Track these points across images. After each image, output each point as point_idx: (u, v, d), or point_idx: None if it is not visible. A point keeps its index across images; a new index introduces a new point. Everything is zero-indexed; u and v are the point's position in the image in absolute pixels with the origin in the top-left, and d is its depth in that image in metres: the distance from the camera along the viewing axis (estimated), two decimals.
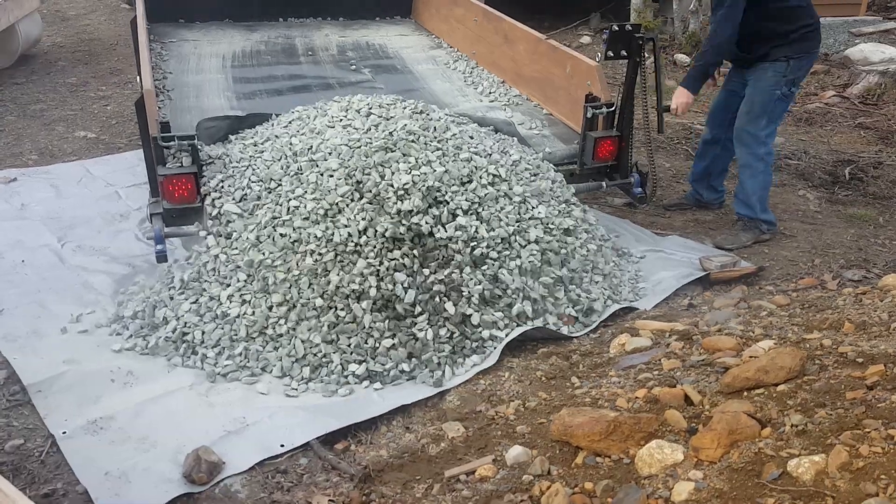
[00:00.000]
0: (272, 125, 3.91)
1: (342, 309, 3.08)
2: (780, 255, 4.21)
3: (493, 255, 3.28)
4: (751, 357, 2.56)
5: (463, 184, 3.41)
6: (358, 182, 3.30)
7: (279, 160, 3.54)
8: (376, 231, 3.16)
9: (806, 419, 2.11)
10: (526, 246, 3.41)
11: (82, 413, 2.81)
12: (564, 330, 3.31)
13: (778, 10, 4.09)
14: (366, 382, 3.00)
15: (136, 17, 4.71)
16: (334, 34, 5.88)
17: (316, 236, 3.17)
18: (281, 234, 3.24)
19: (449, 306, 3.11)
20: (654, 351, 2.96)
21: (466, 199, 3.35)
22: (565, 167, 4.04)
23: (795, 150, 5.84)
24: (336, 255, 3.13)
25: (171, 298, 3.32)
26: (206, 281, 3.31)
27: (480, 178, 3.49)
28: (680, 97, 4.25)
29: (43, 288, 3.65)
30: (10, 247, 4.04)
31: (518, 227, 3.43)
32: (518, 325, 3.22)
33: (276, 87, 4.78)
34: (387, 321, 3.08)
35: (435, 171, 3.34)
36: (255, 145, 3.72)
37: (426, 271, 3.16)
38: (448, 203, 3.31)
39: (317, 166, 3.41)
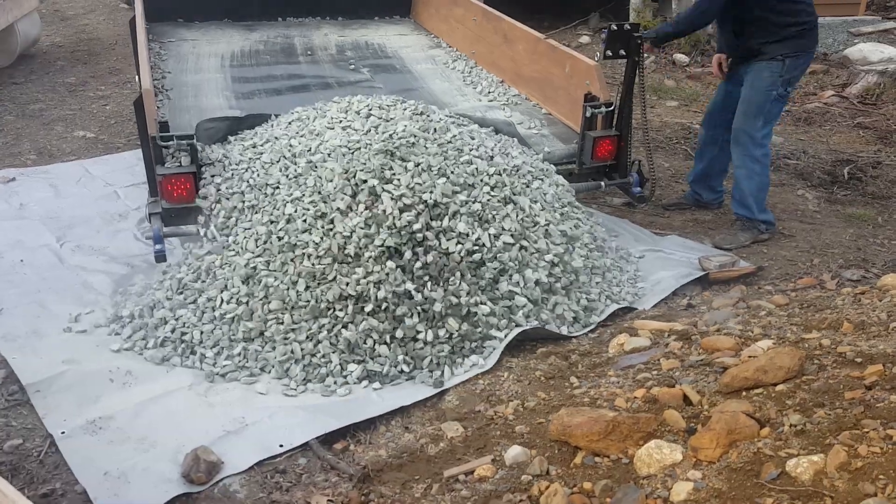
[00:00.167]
0: (272, 126, 3.91)
1: (340, 310, 3.08)
2: (778, 254, 4.21)
3: (495, 263, 3.27)
4: (749, 357, 2.56)
5: (463, 190, 3.38)
6: (356, 186, 3.28)
7: (278, 162, 3.53)
8: (374, 241, 3.14)
9: (805, 419, 2.11)
10: (528, 251, 3.40)
11: (81, 413, 2.81)
12: (563, 330, 3.31)
13: (776, 2, 4.09)
14: (365, 382, 3.00)
15: (134, 16, 4.70)
16: (333, 34, 5.87)
17: (315, 242, 3.16)
18: (278, 238, 3.23)
19: (451, 322, 3.11)
20: (652, 351, 2.96)
21: (467, 206, 3.33)
22: (564, 167, 4.04)
23: (794, 150, 5.84)
24: (334, 261, 3.12)
25: (170, 299, 3.32)
26: (203, 282, 3.31)
27: (482, 179, 3.48)
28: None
29: (42, 288, 3.65)
30: (9, 247, 4.03)
31: (520, 231, 3.43)
32: (517, 326, 3.22)
33: (275, 87, 4.78)
34: (385, 323, 3.07)
35: (435, 182, 3.31)
36: (254, 147, 3.71)
37: (426, 279, 3.14)
38: (448, 211, 3.28)
39: (315, 169, 3.40)
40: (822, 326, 2.84)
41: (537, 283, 3.34)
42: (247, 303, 3.15)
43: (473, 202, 3.36)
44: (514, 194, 3.53)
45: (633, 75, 3.99)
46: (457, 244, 3.21)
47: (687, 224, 4.65)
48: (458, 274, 3.17)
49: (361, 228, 3.15)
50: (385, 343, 3.06)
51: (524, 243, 3.41)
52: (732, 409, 2.21)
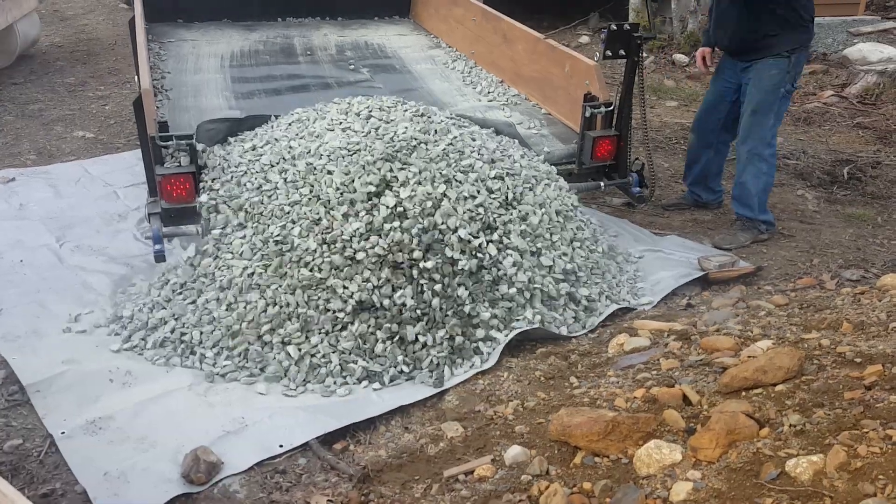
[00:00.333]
0: (272, 127, 3.90)
1: (339, 311, 3.08)
2: (778, 254, 4.21)
3: (498, 268, 3.27)
4: (749, 357, 2.56)
5: (465, 195, 3.36)
6: (355, 193, 3.25)
7: (277, 165, 3.51)
8: (374, 248, 3.12)
9: (804, 419, 2.11)
10: (530, 255, 3.40)
11: (81, 413, 2.81)
12: (563, 330, 3.31)
13: None
14: (364, 383, 3.00)
15: (134, 16, 4.70)
16: (333, 34, 5.87)
17: (312, 249, 3.15)
18: (275, 242, 3.22)
19: (453, 327, 3.11)
20: (652, 351, 2.97)
21: (469, 212, 3.31)
22: (564, 167, 4.04)
23: (794, 150, 5.84)
24: (332, 268, 3.11)
25: (169, 299, 3.32)
26: (202, 283, 3.31)
27: (484, 183, 3.46)
28: None
29: (42, 288, 3.65)
30: (9, 247, 4.04)
31: (522, 236, 3.42)
32: (517, 326, 3.22)
33: (275, 87, 4.77)
34: (384, 328, 3.07)
35: (437, 188, 3.29)
36: (253, 149, 3.68)
37: (427, 285, 3.13)
38: (450, 217, 3.25)
39: (315, 173, 3.38)
40: (822, 326, 2.84)
41: (539, 285, 3.34)
42: (246, 306, 3.14)
43: (476, 208, 3.34)
44: (517, 198, 3.52)
45: (633, 75, 3.99)
46: (459, 252, 3.19)
47: (686, 224, 4.66)
48: (459, 279, 3.16)
49: (361, 235, 3.14)
50: (384, 342, 3.06)
51: (527, 247, 3.40)
52: (732, 410, 2.21)
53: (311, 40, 5.69)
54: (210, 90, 4.66)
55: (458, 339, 3.12)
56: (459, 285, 3.16)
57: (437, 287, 3.12)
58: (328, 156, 3.44)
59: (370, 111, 3.75)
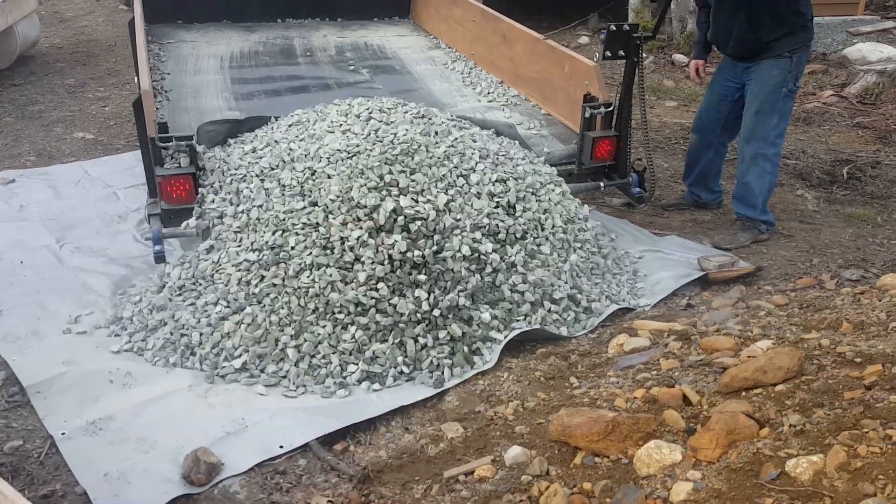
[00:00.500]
0: (272, 129, 3.89)
1: (339, 312, 3.07)
2: (778, 254, 4.21)
3: (500, 273, 3.27)
4: (749, 357, 2.56)
5: (467, 199, 3.35)
6: (353, 200, 3.23)
7: (276, 168, 3.50)
8: (374, 255, 3.12)
9: (804, 419, 2.11)
10: (532, 258, 3.40)
11: (81, 414, 2.81)
12: (563, 330, 3.32)
13: None
14: (365, 383, 3.00)
15: (133, 18, 4.70)
16: (332, 35, 5.87)
17: (310, 254, 3.14)
18: (272, 249, 3.20)
19: (454, 328, 3.11)
20: (652, 351, 2.97)
21: (471, 218, 3.30)
22: (564, 167, 4.04)
23: (793, 150, 5.84)
24: (330, 277, 3.10)
25: (169, 300, 3.32)
26: (202, 285, 3.30)
27: (485, 185, 3.46)
28: None
29: (42, 289, 3.65)
30: (9, 248, 4.04)
31: (525, 239, 3.42)
32: (517, 327, 3.22)
33: (275, 88, 4.78)
34: (385, 328, 3.07)
35: (438, 193, 3.28)
36: (253, 151, 3.67)
37: (428, 290, 3.13)
38: (451, 222, 3.25)
39: (314, 178, 3.37)
40: (822, 326, 2.84)
41: (539, 287, 3.34)
42: (244, 309, 3.14)
43: (478, 213, 3.33)
44: (520, 202, 3.51)
45: (633, 76, 4.00)
46: (461, 259, 3.19)
47: (686, 224, 4.66)
48: (460, 286, 3.16)
49: (361, 242, 3.13)
50: (382, 343, 3.06)
51: (529, 249, 3.40)
52: (732, 410, 2.21)
53: (310, 41, 5.69)
54: (210, 91, 4.66)
55: (458, 344, 3.12)
56: (461, 291, 3.15)
57: (438, 293, 3.12)
58: (328, 158, 3.44)
59: (370, 113, 3.74)
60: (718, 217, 4.74)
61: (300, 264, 3.14)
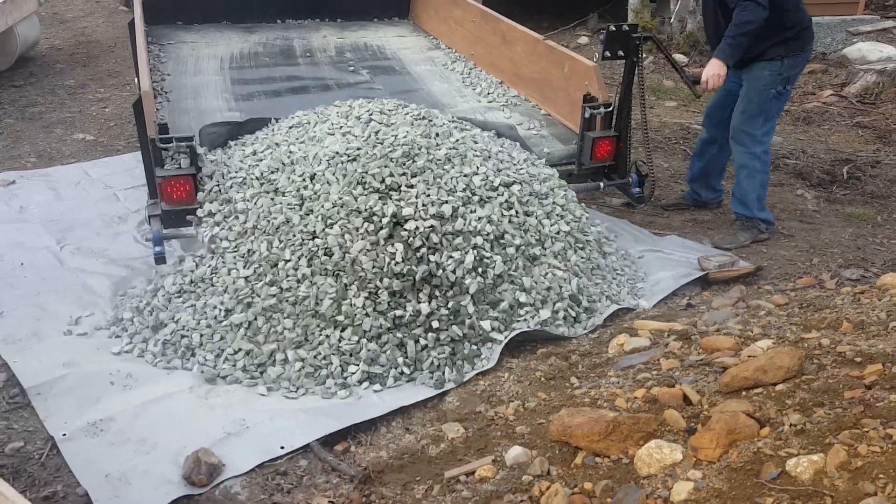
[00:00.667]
0: (272, 131, 3.87)
1: (338, 315, 3.07)
2: (778, 254, 4.22)
3: (502, 281, 3.26)
4: (749, 357, 2.56)
5: (468, 203, 3.34)
6: (353, 204, 3.22)
7: (276, 172, 3.48)
8: (374, 261, 3.11)
9: (804, 419, 2.12)
10: (535, 263, 3.39)
11: (82, 415, 2.81)
12: (564, 331, 3.31)
13: (773, 12, 4.09)
14: (365, 384, 3.00)
15: (133, 19, 4.71)
16: (332, 35, 5.88)
17: (308, 266, 3.14)
18: (267, 262, 3.19)
19: (454, 329, 3.11)
20: (652, 351, 2.97)
21: (473, 223, 3.28)
22: (564, 167, 4.04)
23: (793, 150, 5.85)
24: (329, 284, 3.10)
25: (170, 301, 3.32)
26: (201, 287, 3.30)
27: (487, 189, 3.43)
28: (713, 69, 4.04)
29: (42, 290, 3.65)
30: (10, 249, 4.04)
31: (528, 245, 3.42)
32: (517, 327, 3.22)
33: (275, 89, 4.78)
34: (386, 331, 3.07)
35: (438, 198, 3.27)
36: (254, 154, 3.65)
37: (428, 297, 3.12)
38: (453, 228, 3.23)
39: (311, 185, 3.35)
40: (822, 326, 2.84)
41: (541, 288, 3.34)
42: (244, 312, 3.13)
43: (479, 219, 3.31)
44: (523, 205, 3.50)
45: (632, 76, 4.00)
46: (463, 263, 3.18)
47: (686, 224, 4.66)
48: (461, 292, 3.15)
49: (360, 250, 3.12)
50: (382, 346, 3.06)
51: (531, 252, 3.40)
52: (732, 409, 2.21)
53: (310, 42, 5.69)
54: (210, 92, 4.66)
55: (459, 345, 3.11)
56: (461, 299, 3.15)
57: (440, 299, 3.11)
58: (328, 161, 3.41)
59: (370, 115, 3.73)
60: (718, 217, 4.74)
61: (297, 277, 3.12)
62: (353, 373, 3.01)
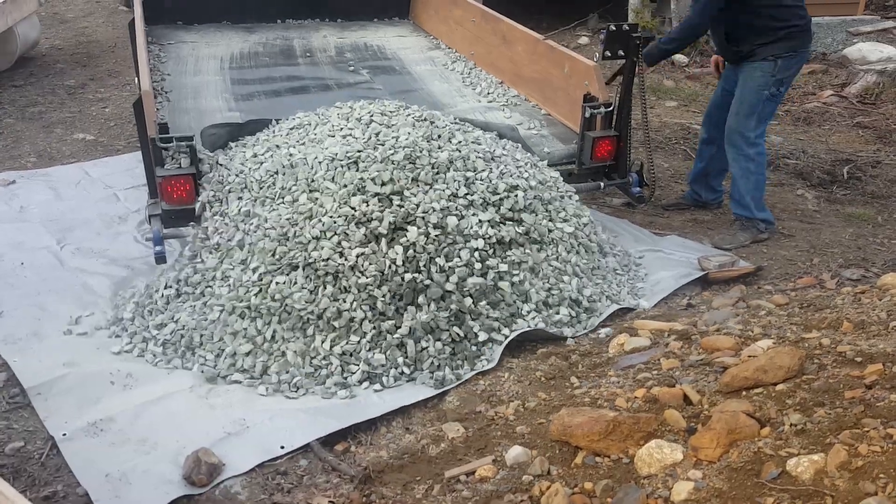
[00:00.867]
0: (273, 133, 3.86)
1: (335, 320, 3.07)
2: (778, 254, 4.21)
3: (505, 284, 3.26)
4: (749, 356, 2.56)
5: (469, 208, 3.32)
6: (353, 211, 3.20)
7: (275, 175, 3.46)
8: (374, 268, 3.10)
9: (805, 418, 2.11)
10: (538, 268, 3.39)
11: (82, 415, 2.81)
12: (564, 331, 3.31)
13: (766, 6, 4.10)
14: (365, 384, 3.00)
15: (133, 19, 4.71)
16: (332, 35, 5.88)
17: (305, 268, 3.12)
18: (270, 258, 3.18)
19: (455, 330, 3.11)
20: (652, 351, 2.97)
21: (475, 228, 3.26)
22: (564, 167, 4.04)
23: (794, 150, 5.85)
24: (328, 291, 3.08)
25: (169, 302, 3.31)
26: (201, 288, 3.29)
27: (490, 193, 3.42)
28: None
29: (42, 290, 3.65)
30: (10, 249, 4.04)
31: (529, 245, 3.41)
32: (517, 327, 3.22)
33: (275, 89, 4.78)
34: (386, 332, 3.07)
35: (440, 203, 3.25)
36: (254, 156, 3.63)
37: (428, 300, 3.11)
38: (455, 235, 3.21)
39: (312, 189, 3.33)
40: (822, 326, 2.84)
41: (542, 290, 3.34)
42: (244, 315, 3.12)
43: (480, 223, 3.30)
44: (526, 209, 3.49)
45: (632, 75, 4.00)
46: (467, 272, 3.17)
47: (686, 224, 4.66)
48: (462, 296, 3.15)
49: (359, 257, 3.10)
50: (381, 345, 3.06)
51: (533, 255, 3.39)
52: (733, 409, 2.21)
53: (310, 42, 5.69)
54: (210, 92, 4.66)
55: (459, 345, 3.11)
56: (465, 296, 3.15)
57: (440, 302, 3.11)
58: (327, 165, 3.38)
59: (371, 116, 3.71)
60: (718, 217, 4.74)
61: (296, 281, 3.11)
62: (354, 373, 3.01)
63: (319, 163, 3.41)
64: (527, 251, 3.39)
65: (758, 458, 2.01)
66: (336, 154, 3.41)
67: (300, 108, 4.04)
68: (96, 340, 3.28)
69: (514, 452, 2.42)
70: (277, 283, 3.13)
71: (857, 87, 7.33)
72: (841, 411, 2.11)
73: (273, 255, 3.18)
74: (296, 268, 3.14)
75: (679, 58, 8.20)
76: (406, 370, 3.04)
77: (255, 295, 3.13)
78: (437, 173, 3.39)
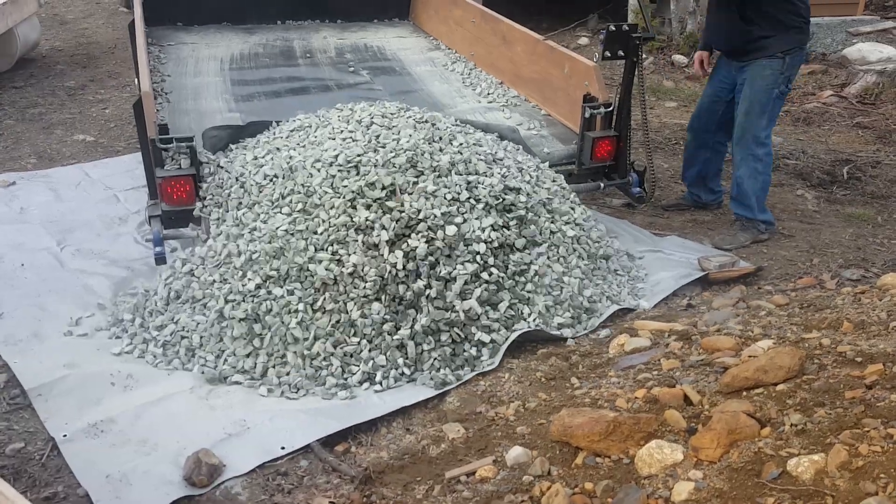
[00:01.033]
0: (274, 135, 3.84)
1: (336, 324, 3.07)
2: (778, 254, 4.22)
3: (505, 291, 3.26)
4: (750, 357, 2.56)
5: (471, 212, 3.31)
6: (351, 217, 3.20)
7: (275, 178, 3.46)
8: (375, 272, 3.09)
9: (805, 418, 2.11)
10: (535, 263, 3.39)
11: (83, 416, 2.81)
12: (564, 332, 3.31)
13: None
14: (366, 384, 3.00)
15: (133, 20, 4.71)
16: (332, 36, 5.88)
17: (304, 281, 3.12)
18: (268, 267, 3.17)
19: (455, 332, 3.10)
20: (653, 351, 2.97)
21: (476, 233, 3.25)
22: (564, 167, 4.04)
23: (793, 150, 5.85)
24: (328, 303, 3.08)
25: (169, 303, 3.31)
26: (202, 289, 3.30)
27: (493, 197, 3.41)
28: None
29: (43, 291, 3.65)
30: (10, 250, 4.04)
31: (529, 247, 3.41)
32: (517, 328, 3.22)
33: (275, 90, 4.78)
34: (386, 334, 3.07)
35: (441, 206, 3.23)
36: (255, 159, 3.63)
37: (429, 303, 3.10)
38: (456, 240, 3.20)
39: (311, 194, 3.32)
40: (822, 326, 2.84)
41: (543, 292, 3.34)
42: (244, 318, 3.12)
43: (482, 228, 3.29)
44: (529, 211, 3.49)
45: (632, 76, 4.00)
46: (466, 276, 3.16)
47: (686, 224, 4.66)
48: (463, 299, 3.15)
49: (358, 265, 3.10)
50: (381, 346, 3.06)
51: (536, 259, 3.39)
52: (733, 409, 2.21)
53: (310, 43, 5.69)
54: (210, 93, 4.66)
55: (459, 346, 3.11)
56: (466, 299, 3.15)
57: (441, 305, 3.11)
58: (327, 170, 3.36)
59: (372, 118, 3.69)
60: (719, 217, 4.74)
61: (295, 287, 3.11)
62: (354, 373, 3.01)
63: (318, 170, 3.39)
64: (529, 254, 3.39)
65: (758, 459, 2.01)
66: (336, 159, 3.39)
67: (300, 109, 4.04)
68: (97, 341, 3.28)
69: (515, 453, 2.42)
70: (274, 295, 3.11)
71: (857, 88, 7.33)
72: (841, 411, 2.11)
73: (270, 266, 3.17)
74: (294, 280, 3.13)
75: (679, 58, 8.21)
76: (406, 371, 3.04)
77: (253, 308, 3.11)
78: (439, 177, 3.37)
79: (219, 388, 2.99)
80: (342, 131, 3.64)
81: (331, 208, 3.24)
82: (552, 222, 3.58)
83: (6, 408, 2.89)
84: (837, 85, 7.56)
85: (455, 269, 3.15)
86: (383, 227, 3.15)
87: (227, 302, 3.14)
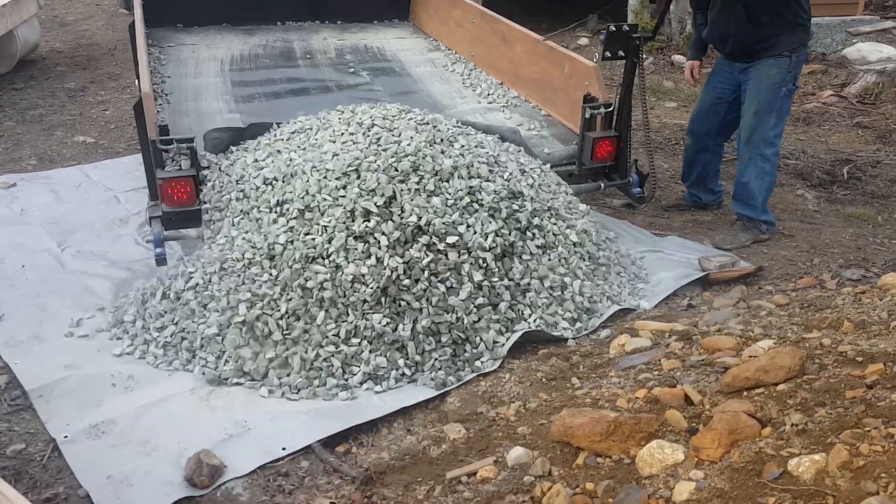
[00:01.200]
0: (275, 137, 3.83)
1: (332, 332, 3.07)
2: (778, 254, 4.22)
3: (507, 295, 3.26)
4: (750, 357, 2.56)
5: (473, 215, 3.30)
6: (353, 221, 3.18)
7: (275, 182, 3.44)
8: (375, 277, 3.08)
9: (806, 418, 2.11)
10: (540, 276, 3.39)
11: (83, 417, 2.81)
12: (566, 332, 3.31)
13: None
14: (367, 385, 3.00)
15: (134, 21, 4.71)
16: (332, 37, 5.88)
17: (304, 290, 3.11)
18: (266, 275, 3.16)
19: (456, 333, 3.10)
20: (653, 351, 2.97)
21: (477, 238, 3.24)
22: (564, 168, 4.04)
23: (793, 150, 5.85)
24: (327, 311, 3.08)
25: (170, 305, 3.31)
26: (203, 290, 3.29)
27: (496, 201, 3.40)
28: None
29: (43, 292, 3.66)
30: (10, 251, 4.04)
31: (530, 249, 3.40)
32: (518, 329, 3.22)
33: (275, 91, 4.78)
34: (387, 336, 3.07)
35: (443, 210, 3.22)
36: (255, 161, 3.61)
37: (429, 304, 3.11)
38: (456, 245, 3.19)
39: (311, 196, 3.30)
40: (823, 326, 2.84)
41: (544, 293, 3.34)
42: (244, 321, 3.11)
43: (485, 234, 3.27)
44: (532, 213, 3.48)
45: (632, 76, 4.00)
46: (468, 279, 3.16)
47: (687, 225, 4.66)
48: (465, 307, 3.15)
49: (356, 275, 3.09)
50: (382, 353, 3.06)
51: (537, 261, 3.39)
52: (734, 409, 2.21)
53: (310, 44, 5.70)
54: (210, 94, 4.66)
55: (460, 347, 3.11)
56: (466, 301, 3.15)
57: (441, 306, 3.11)
58: (326, 174, 3.34)
59: (373, 120, 3.67)
60: (719, 217, 4.74)
61: (295, 293, 3.10)
62: (354, 374, 3.01)
63: (317, 178, 3.35)
64: (531, 257, 3.39)
65: (759, 458, 2.01)
66: (336, 164, 3.36)
67: (301, 110, 4.04)
68: (97, 342, 3.28)
69: (516, 453, 2.42)
70: (274, 297, 3.11)
71: (857, 88, 7.33)
72: (842, 411, 2.11)
73: (271, 267, 3.17)
74: (293, 289, 3.12)
75: (679, 59, 8.21)
76: (407, 371, 3.04)
77: (255, 303, 3.11)
78: (441, 181, 3.36)
79: (219, 389, 2.99)
80: (343, 133, 3.62)
81: (330, 216, 3.22)
82: (554, 225, 3.57)
83: (7, 409, 2.89)
84: (837, 85, 7.56)
85: (456, 276, 3.14)
86: (383, 234, 3.14)
87: (227, 303, 3.14)
